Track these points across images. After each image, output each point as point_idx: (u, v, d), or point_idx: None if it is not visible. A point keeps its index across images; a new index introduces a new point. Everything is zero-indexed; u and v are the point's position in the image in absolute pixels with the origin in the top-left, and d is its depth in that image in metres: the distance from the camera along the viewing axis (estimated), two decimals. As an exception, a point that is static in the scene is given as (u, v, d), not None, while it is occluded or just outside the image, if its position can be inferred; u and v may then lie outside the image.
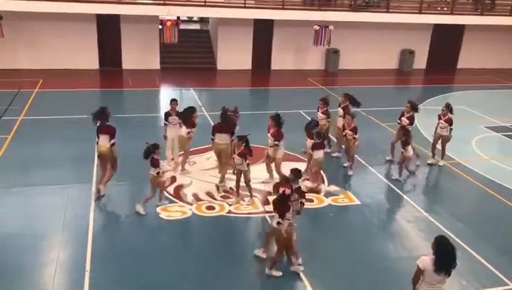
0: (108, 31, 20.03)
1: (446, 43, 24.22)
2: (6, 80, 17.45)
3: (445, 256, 5.26)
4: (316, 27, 19.99)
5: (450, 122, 11.35)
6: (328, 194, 9.83)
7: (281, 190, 6.77)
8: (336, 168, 11.23)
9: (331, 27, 19.98)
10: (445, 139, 11.53)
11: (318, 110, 11.51)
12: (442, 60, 24.40)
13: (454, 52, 24.87)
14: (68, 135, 12.30)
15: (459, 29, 23.93)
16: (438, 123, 11.55)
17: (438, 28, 23.40)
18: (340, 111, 11.65)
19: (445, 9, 22.61)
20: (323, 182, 10.38)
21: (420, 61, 24.13)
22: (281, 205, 6.74)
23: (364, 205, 9.54)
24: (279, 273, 7.09)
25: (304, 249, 7.87)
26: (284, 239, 6.88)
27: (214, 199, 9.39)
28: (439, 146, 11.73)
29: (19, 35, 18.58)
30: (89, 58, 19.91)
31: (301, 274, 7.13)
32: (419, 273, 5.37)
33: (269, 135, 9.81)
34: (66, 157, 10.88)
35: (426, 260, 5.34)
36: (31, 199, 9.02)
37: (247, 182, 9.21)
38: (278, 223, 6.74)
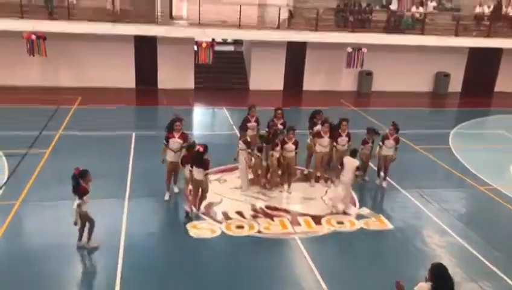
0: (145, 51, 20.61)
1: (483, 66, 23.73)
2: (48, 97, 18.11)
3: (444, 286, 5.19)
4: (349, 49, 19.99)
5: (397, 141, 11.00)
6: (359, 217, 9.69)
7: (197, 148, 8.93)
8: (367, 191, 11.07)
9: (364, 50, 19.94)
10: (390, 159, 11.13)
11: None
12: (479, 83, 23.87)
13: (491, 75, 24.30)
14: (104, 151, 12.62)
15: (496, 52, 23.41)
16: (383, 143, 11.04)
17: (474, 51, 22.97)
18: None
19: (474, 34, 22.11)
20: (355, 205, 10.27)
21: (456, 84, 23.70)
22: (198, 160, 8.86)
23: (397, 229, 9.35)
24: (96, 245, 7.87)
25: (335, 273, 7.78)
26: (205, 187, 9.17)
27: (244, 218, 9.40)
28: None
29: (60, 55, 19.34)
30: (126, 77, 20.49)
31: (330, 297, 7.03)
32: None
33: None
34: (101, 173, 11.05)
35: (424, 287, 5.28)
36: (65, 212, 9.19)
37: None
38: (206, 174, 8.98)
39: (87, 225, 7.95)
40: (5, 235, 8.29)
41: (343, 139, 10.85)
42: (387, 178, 11.24)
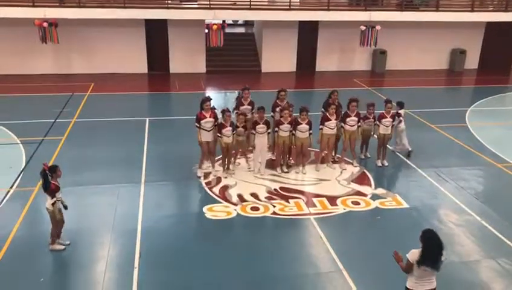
0: (156, 35, 20.54)
1: (500, 41, 23.09)
2: (61, 84, 18.25)
3: (430, 250, 5.28)
4: (362, 27, 19.67)
5: (393, 118, 10.97)
6: (375, 197, 9.64)
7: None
8: (383, 171, 10.99)
9: (377, 27, 19.60)
10: (388, 138, 11.09)
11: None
12: (496, 59, 23.28)
13: (509, 51, 23.72)
14: (118, 137, 12.70)
15: (515, 27, 22.83)
16: (380, 122, 10.89)
17: (491, 26, 22.41)
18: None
19: (490, 8, 21.58)
20: (370, 185, 10.21)
21: (472, 61, 23.21)
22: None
23: (413, 208, 9.28)
24: (62, 247, 7.53)
25: (350, 252, 7.78)
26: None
27: (259, 200, 9.42)
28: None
29: (72, 42, 19.37)
30: (137, 63, 20.50)
31: (347, 276, 7.04)
32: (409, 266, 5.42)
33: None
34: (116, 158, 11.23)
35: (415, 254, 5.37)
36: (83, 198, 9.37)
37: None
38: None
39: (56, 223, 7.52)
40: (24, 221, 8.45)
41: (352, 119, 10.68)
42: (410, 160, 11.16)
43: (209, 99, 10.11)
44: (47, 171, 7.24)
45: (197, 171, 10.40)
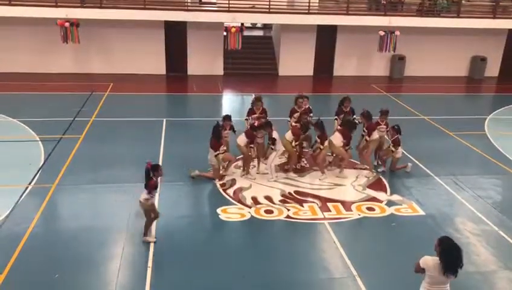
0: (175, 37, 20.72)
1: (522, 49, 22.80)
2: (81, 84, 18.52)
3: (451, 258, 5.22)
4: (381, 33, 19.56)
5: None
6: (390, 204, 9.55)
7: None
8: (398, 177, 10.89)
9: (396, 33, 19.47)
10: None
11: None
12: (518, 67, 22.99)
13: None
14: (135, 136, 12.82)
15: (538, 34, 22.47)
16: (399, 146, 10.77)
17: (513, 33, 22.13)
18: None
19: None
20: (386, 191, 10.13)
21: (492, 69, 22.90)
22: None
23: (429, 216, 9.17)
24: (153, 239, 7.79)
25: (364, 258, 7.73)
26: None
27: (273, 203, 9.41)
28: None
29: (92, 42, 19.67)
30: (156, 64, 20.70)
31: (360, 283, 6.99)
32: (419, 270, 5.45)
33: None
34: (132, 157, 11.33)
35: (429, 261, 5.35)
36: (99, 196, 9.48)
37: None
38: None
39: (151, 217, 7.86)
40: (41, 218, 8.56)
41: (382, 127, 10.87)
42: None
43: (228, 119, 10.62)
44: (149, 169, 7.49)
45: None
